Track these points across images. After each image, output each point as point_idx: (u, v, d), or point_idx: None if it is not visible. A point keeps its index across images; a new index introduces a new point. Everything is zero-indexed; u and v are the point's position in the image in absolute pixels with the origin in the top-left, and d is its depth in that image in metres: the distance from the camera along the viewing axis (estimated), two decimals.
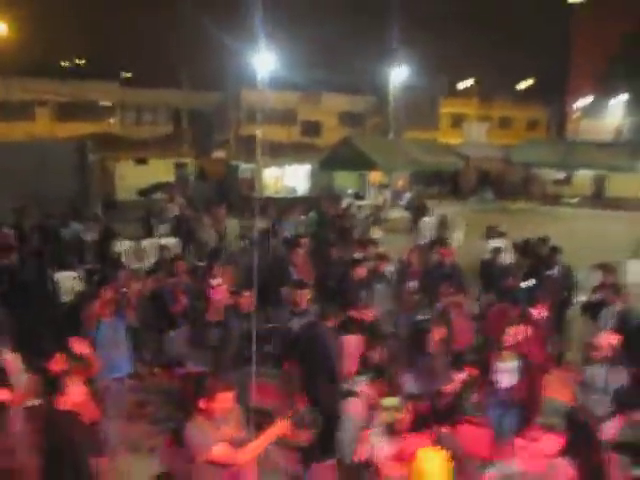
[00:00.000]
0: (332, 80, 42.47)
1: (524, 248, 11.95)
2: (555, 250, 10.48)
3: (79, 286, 10.80)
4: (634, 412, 4.98)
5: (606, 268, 13.79)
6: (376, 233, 15.69)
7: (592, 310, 8.55)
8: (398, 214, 26.25)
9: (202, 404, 4.85)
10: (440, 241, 12.70)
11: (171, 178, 32.24)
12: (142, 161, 32.43)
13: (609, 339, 6.78)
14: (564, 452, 4.36)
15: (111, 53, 43.22)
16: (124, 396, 7.74)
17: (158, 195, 27.04)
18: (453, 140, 43.39)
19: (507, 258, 11.90)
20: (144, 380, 9.74)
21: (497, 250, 11.24)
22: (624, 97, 50.76)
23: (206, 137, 41.19)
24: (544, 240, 11.66)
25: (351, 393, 5.55)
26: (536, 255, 11.28)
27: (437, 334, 6.86)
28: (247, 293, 7.69)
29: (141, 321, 9.72)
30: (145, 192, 29.23)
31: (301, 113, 46.11)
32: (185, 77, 37.20)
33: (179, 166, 33.93)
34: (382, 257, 10.27)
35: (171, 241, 16.29)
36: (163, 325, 10.18)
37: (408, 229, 19.44)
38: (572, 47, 56.30)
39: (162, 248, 12.83)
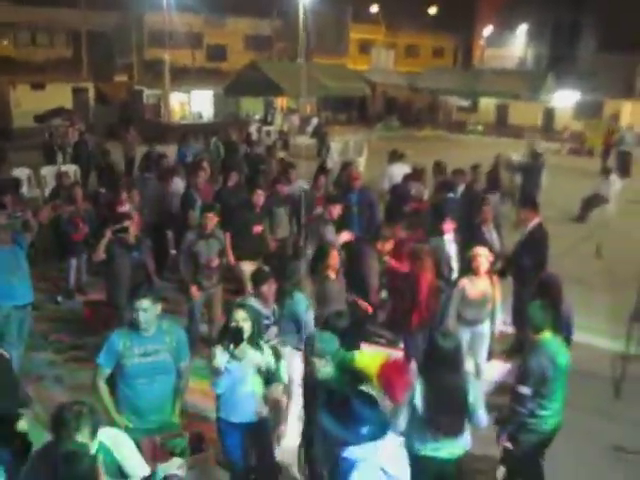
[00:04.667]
0: (237, 3, 41.22)
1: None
2: (458, 173, 10.73)
3: None
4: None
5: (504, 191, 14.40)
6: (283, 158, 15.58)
7: None
8: (305, 140, 26.19)
9: None
10: (347, 165, 12.78)
11: (70, 103, 30.85)
12: (39, 86, 30.79)
13: (481, 250, 7.12)
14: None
15: None
16: (27, 324, 7.53)
17: (57, 121, 25.86)
18: (361, 66, 43.24)
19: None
20: (46, 309, 9.58)
21: (408, 176, 11.35)
22: (526, 27, 51.76)
23: (107, 60, 39.37)
24: (439, 165, 11.94)
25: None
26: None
27: (334, 258, 6.97)
28: (127, 222, 7.54)
29: (41, 249, 9.47)
30: (43, 118, 27.84)
31: (206, 37, 44.69)
32: None
33: (78, 91, 32.42)
34: (282, 181, 10.26)
35: (71, 168, 15.74)
36: (63, 253, 9.95)
37: (314, 155, 19.44)
38: None
39: (61, 175, 12.33)
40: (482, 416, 4.70)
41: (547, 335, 5.15)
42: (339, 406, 3.18)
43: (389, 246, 7.82)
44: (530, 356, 5.16)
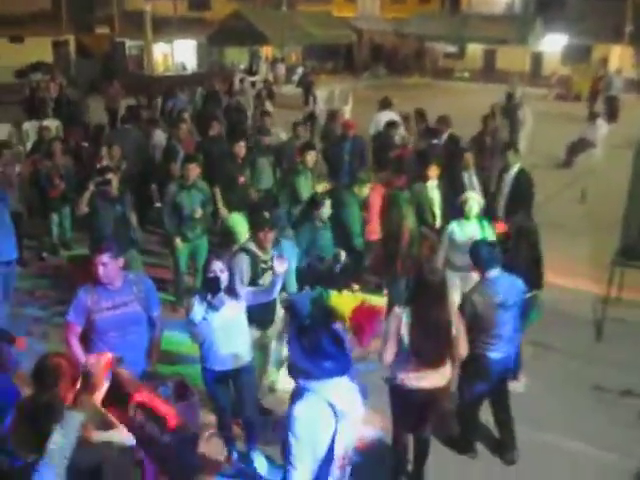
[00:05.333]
0: None
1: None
2: (442, 120, 10.72)
3: None
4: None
5: None
6: (268, 108, 15.43)
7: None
8: (291, 90, 25.91)
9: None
10: (334, 114, 12.78)
11: (50, 57, 30.29)
12: (18, 39, 30.14)
13: (473, 195, 7.19)
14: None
15: None
16: (12, 281, 7.52)
17: (37, 76, 25.39)
18: (347, 13, 42.48)
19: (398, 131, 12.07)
20: (31, 266, 9.57)
21: (392, 123, 11.33)
22: None
23: (87, 12, 38.51)
24: (420, 113, 11.98)
25: (242, 249, 5.78)
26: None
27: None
28: (110, 175, 7.47)
29: (25, 206, 9.40)
30: (23, 73, 27.33)
31: None
32: None
33: (59, 44, 31.81)
34: (263, 131, 10.19)
35: (54, 123, 15.51)
36: (45, 209, 9.89)
37: (300, 105, 19.24)
38: None
39: (42, 129, 12.18)
40: (463, 348, 4.82)
41: (494, 272, 5.24)
42: (308, 339, 3.27)
43: (366, 190, 7.83)
44: (469, 292, 5.36)
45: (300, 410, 3.23)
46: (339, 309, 3.36)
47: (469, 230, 6.96)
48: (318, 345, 3.21)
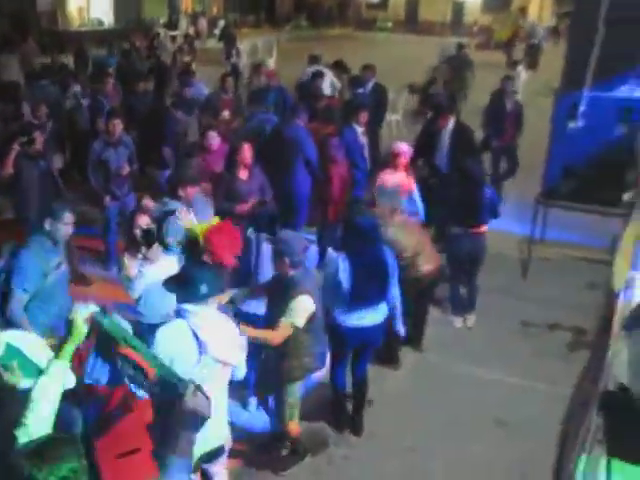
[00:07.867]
0: None
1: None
2: (367, 68, 10.74)
3: None
4: None
5: (412, 88, 14.72)
6: (189, 64, 15.10)
7: None
8: (213, 44, 25.41)
9: None
10: (258, 66, 12.68)
11: None
12: None
13: (404, 147, 7.25)
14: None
15: None
16: None
17: None
18: None
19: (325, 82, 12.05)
20: None
21: (317, 74, 11.30)
22: None
23: None
24: (339, 64, 12.25)
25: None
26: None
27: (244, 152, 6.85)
28: (37, 133, 7.18)
29: None
30: None
31: None
32: None
33: None
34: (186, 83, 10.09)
35: None
36: None
37: (221, 60, 18.87)
38: None
39: None
40: (395, 292, 5.02)
41: None
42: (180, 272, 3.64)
43: None
44: None
45: (162, 332, 3.45)
46: (198, 233, 3.55)
47: (397, 178, 7.04)
48: (185, 272, 3.56)
